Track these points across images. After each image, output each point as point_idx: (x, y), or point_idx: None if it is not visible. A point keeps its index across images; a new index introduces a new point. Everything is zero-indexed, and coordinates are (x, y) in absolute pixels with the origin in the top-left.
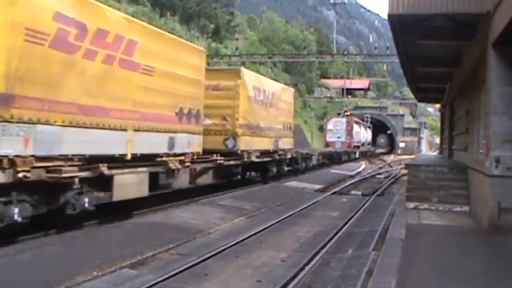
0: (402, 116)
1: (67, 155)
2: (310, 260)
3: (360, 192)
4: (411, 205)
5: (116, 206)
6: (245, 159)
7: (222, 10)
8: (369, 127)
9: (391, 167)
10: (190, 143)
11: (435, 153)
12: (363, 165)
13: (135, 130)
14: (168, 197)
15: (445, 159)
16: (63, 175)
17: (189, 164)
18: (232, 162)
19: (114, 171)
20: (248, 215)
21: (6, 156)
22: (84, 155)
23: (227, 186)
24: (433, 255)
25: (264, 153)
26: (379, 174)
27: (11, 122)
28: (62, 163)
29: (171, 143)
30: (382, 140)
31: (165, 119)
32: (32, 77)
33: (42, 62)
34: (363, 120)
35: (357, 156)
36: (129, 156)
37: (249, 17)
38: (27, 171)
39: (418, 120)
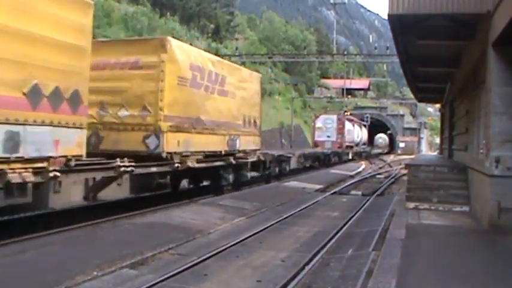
0: (402, 116)
1: None
2: (310, 260)
3: (359, 192)
4: (411, 205)
5: (116, 206)
6: (176, 165)
7: (222, 10)
8: (365, 126)
9: (391, 167)
10: (61, 142)
11: (435, 153)
12: (362, 165)
13: None
14: (168, 197)
15: (445, 159)
16: None
17: (56, 173)
18: (154, 170)
19: None
20: (248, 215)
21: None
22: None
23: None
24: (433, 255)
25: (211, 156)
26: (379, 174)
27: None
28: None
29: (13, 141)
30: (380, 140)
31: None
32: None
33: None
34: (363, 120)
35: (350, 157)
36: None
37: (249, 17)
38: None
39: (418, 120)
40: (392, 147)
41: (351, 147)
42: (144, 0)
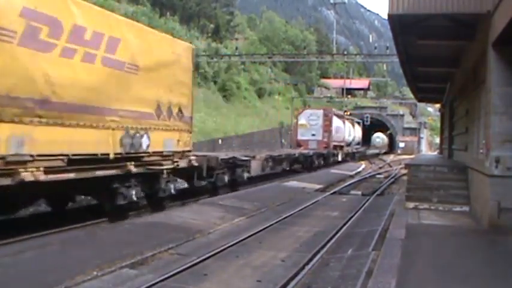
0: (402, 116)
1: None
2: (310, 260)
3: (359, 192)
4: (411, 205)
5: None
6: None
7: (222, 10)
8: (358, 123)
9: (390, 166)
10: None
11: (435, 153)
12: (362, 165)
13: None
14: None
15: (445, 159)
16: None
17: None
18: None
19: None
20: (248, 215)
21: None
22: None
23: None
24: (433, 255)
25: (86, 161)
26: (378, 174)
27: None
28: None
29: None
30: (377, 139)
31: None
32: None
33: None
34: (363, 120)
35: (339, 159)
36: None
37: (249, 17)
38: None
39: (418, 120)
40: (392, 147)
41: (341, 147)
42: (144, 0)
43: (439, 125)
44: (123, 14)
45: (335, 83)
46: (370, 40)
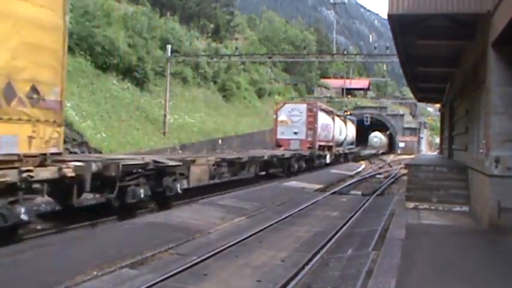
0: (402, 115)
1: None
2: (310, 260)
3: (359, 192)
4: (411, 205)
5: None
6: None
7: (222, 10)
8: (352, 121)
9: (390, 166)
10: None
11: (435, 153)
12: (362, 165)
13: None
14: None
15: (445, 159)
16: None
17: None
18: None
19: None
20: (248, 215)
21: None
22: None
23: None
24: (433, 255)
25: None
26: (378, 174)
27: None
28: None
29: None
30: (375, 139)
31: None
32: None
33: None
34: (363, 120)
35: (327, 161)
36: None
37: (249, 17)
38: None
39: (418, 120)
40: (392, 147)
41: (329, 147)
42: (144, 0)
43: (439, 125)
44: (123, 14)
45: (335, 83)
46: (370, 40)
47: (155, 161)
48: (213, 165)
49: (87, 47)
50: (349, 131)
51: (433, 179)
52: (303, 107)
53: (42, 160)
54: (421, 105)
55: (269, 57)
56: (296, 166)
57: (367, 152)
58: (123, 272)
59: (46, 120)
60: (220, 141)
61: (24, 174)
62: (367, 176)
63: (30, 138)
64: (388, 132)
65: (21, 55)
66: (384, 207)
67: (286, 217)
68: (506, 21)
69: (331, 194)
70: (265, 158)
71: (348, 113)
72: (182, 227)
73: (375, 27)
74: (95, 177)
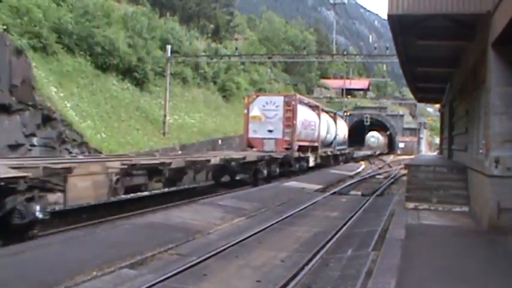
0: (402, 116)
1: None
2: (310, 260)
3: (359, 193)
4: (411, 205)
5: (116, 207)
6: None
7: (222, 10)
8: (342, 117)
9: (390, 167)
10: None
11: (435, 153)
12: (362, 165)
13: None
14: (168, 197)
15: (445, 160)
16: None
17: None
18: None
19: None
20: (248, 215)
21: None
22: None
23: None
24: (432, 255)
25: None
26: (378, 174)
27: None
28: None
29: None
30: (372, 139)
31: None
32: None
33: None
34: (364, 121)
35: (310, 164)
36: None
37: (249, 17)
38: None
39: (417, 120)
40: (391, 147)
41: (314, 148)
42: (144, 0)
43: (438, 125)
44: (122, 14)
45: (335, 83)
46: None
47: None
48: (118, 174)
49: (87, 47)
50: (340, 130)
51: (432, 180)
52: (280, 99)
53: None
54: (420, 105)
55: (269, 58)
56: (265, 172)
57: (362, 153)
58: (123, 272)
59: None
60: (220, 141)
61: None
62: (366, 176)
63: None
64: (388, 133)
65: None
66: (384, 207)
67: (286, 217)
68: (506, 21)
69: (331, 194)
70: (214, 162)
71: (348, 113)
72: (182, 227)
73: (374, 28)
74: None
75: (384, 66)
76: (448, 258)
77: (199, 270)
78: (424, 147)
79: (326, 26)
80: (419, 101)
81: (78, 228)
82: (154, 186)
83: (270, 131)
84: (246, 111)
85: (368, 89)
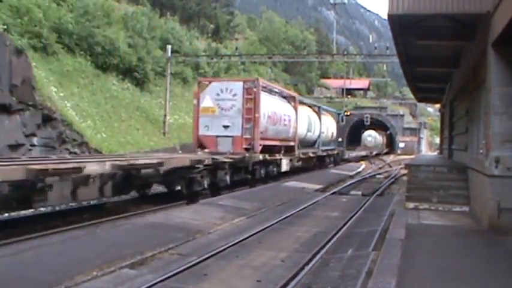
0: (402, 116)
1: None
2: (310, 260)
3: (359, 192)
4: (411, 205)
5: (116, 206)
6: None
7: (222, 10)
8: (329, 112)
9: (390, 167)
10: None
11: (435, 153)
12: (362, 165)
13: None
14: (168, 197)
15: (445, 159)
16: None
17: None
18: None
19: None
20: (248, 215)
21: None
22: None
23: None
24: (433, 255)
25: None
26: (378, 174)
27: None
28: None
29: None
30: (369, 138)
31: None
32: None
33: None
34: (364, 120)
35: (283, 168)
36: None
37: (249, 17)
38: None
39: (418, 120)
40: (392, 147)
41: (289, 148)
42: (144, 0)
43: (439, 125)
44: (123, 14)
45: (335, 83)
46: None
47: None
48: None
49: (87, 47)
50: (326, 127)
51: (433, 179)
52: (238, 85)
53: None
54: (421, 105)
55: (269, 58)
56: (205, 182)
57: (355, 154)
58: (123, 272)
59: None
60: None
61: None
62: (367, 176)
63: None
64: (388, 132)
65: None
66: (384, 207)
67: (286, 217)
68: (506, 21)
69: (331, 194)
70: (96, 171)
71: (348, 113)
72: (182, 227)
73: (375, 28)
74: None
75: (384, 66)
76: (448, 258)
77: (199, 270)
78: (424, 147)
79: (326, 26)
80: (420, 100)
81: (78, 228)
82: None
83: (226, 127)
84: (195, 101)
85: (368, 89)
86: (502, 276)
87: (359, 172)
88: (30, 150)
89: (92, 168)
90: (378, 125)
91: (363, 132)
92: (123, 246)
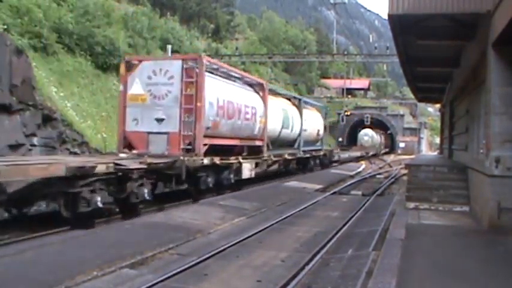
0: (402, 116)
1: None
2: (310, 260)
3: (360, 192)
4: (411, 205)
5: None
6: None
7: (222, 10)
8: (315, 106)
9: (391, 167)
10: None
11: (435, 153)
12: (362, 165)
13: None
14: (168, 197)
15: (445, 159)
16: None
17: None
18: None
19: None
20: (248, 215)
21: None
22: None
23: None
24: (433, 255)
25: None
26: (379, 174)
27: None
28: None
29: None
30: (366, 137)
31: None
32: None
33: None
34: (364, 120)
35: (245, 175)
36: None
37: (249, 17)
38: None
39: (418, 120)
40: (392, 147)
41: (255, 149)
42: (144, 0)
43: (439, 125)
44: (123, 14)
45: (335, 83)
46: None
47: None
48: None
49: (87, 47)
50: (310, 124)
51: (433, 179)
52: (176, 65)
53: None
54: (421, 105)
55: (269, 57)
56: (98, 200)
57: (348, 154)
58: (123, 272)
59: None
60: None
61: None
62: (367, 176)
63: None
64: (388, 132)
65: None
66: (384, 207)
67: (286, 217)
68: (506, 21)
69: (332, 194)
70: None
71: (349, 113)
72: (182, 227)
73: (375, 27)
74: None
75: (384, 66)
76: (449, 258)
77: (199, 270)
78: (424, 147)
79: (326, 26)
80: (420, 100)
81: (78, 228)
82: None
83: (160, 121)
84: (122, 87)
85: (368, 89)
86: (502, 276)
87: (359, 172)
88: (30, 150)
89: None
90: (378, 125)
91: (359, 131)
92: (123, 246)
